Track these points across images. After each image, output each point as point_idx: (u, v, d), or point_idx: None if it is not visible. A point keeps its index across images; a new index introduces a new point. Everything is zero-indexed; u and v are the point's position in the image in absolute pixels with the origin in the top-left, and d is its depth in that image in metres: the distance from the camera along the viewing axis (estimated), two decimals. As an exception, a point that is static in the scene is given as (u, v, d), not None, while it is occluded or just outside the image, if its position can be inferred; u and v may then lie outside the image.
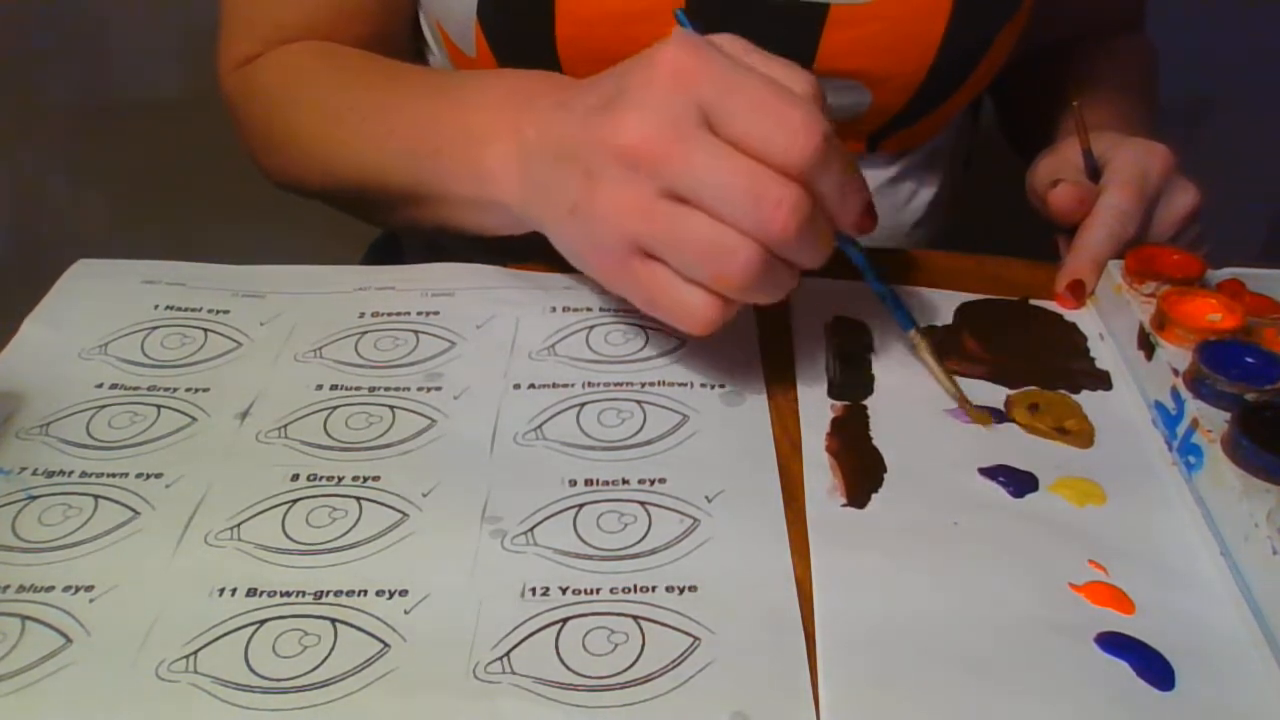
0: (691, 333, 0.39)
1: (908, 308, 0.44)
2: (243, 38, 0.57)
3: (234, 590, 0.34)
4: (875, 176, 0.61)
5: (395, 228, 0.62)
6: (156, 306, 0.47)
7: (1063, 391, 0.44)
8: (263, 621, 0.33)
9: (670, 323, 0.40)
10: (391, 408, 0.42)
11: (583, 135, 0.39)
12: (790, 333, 0.46)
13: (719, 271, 0.37)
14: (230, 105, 0.58)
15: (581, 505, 0.38)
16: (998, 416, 0.42)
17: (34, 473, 0.39)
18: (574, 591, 0.34)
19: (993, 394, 0.43)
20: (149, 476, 0.38)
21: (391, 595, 0.34)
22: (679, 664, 0.32)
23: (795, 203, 0.36)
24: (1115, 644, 0.33)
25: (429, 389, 0.43)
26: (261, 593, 0.34)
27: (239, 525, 0.37)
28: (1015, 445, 0.41)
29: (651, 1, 0.50)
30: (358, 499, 0.38)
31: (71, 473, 0.39)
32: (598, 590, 0.34)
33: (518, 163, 0.43)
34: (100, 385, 0.43)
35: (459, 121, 0.46)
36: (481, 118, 0.45)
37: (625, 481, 0.39)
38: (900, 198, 0.64)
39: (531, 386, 0.43)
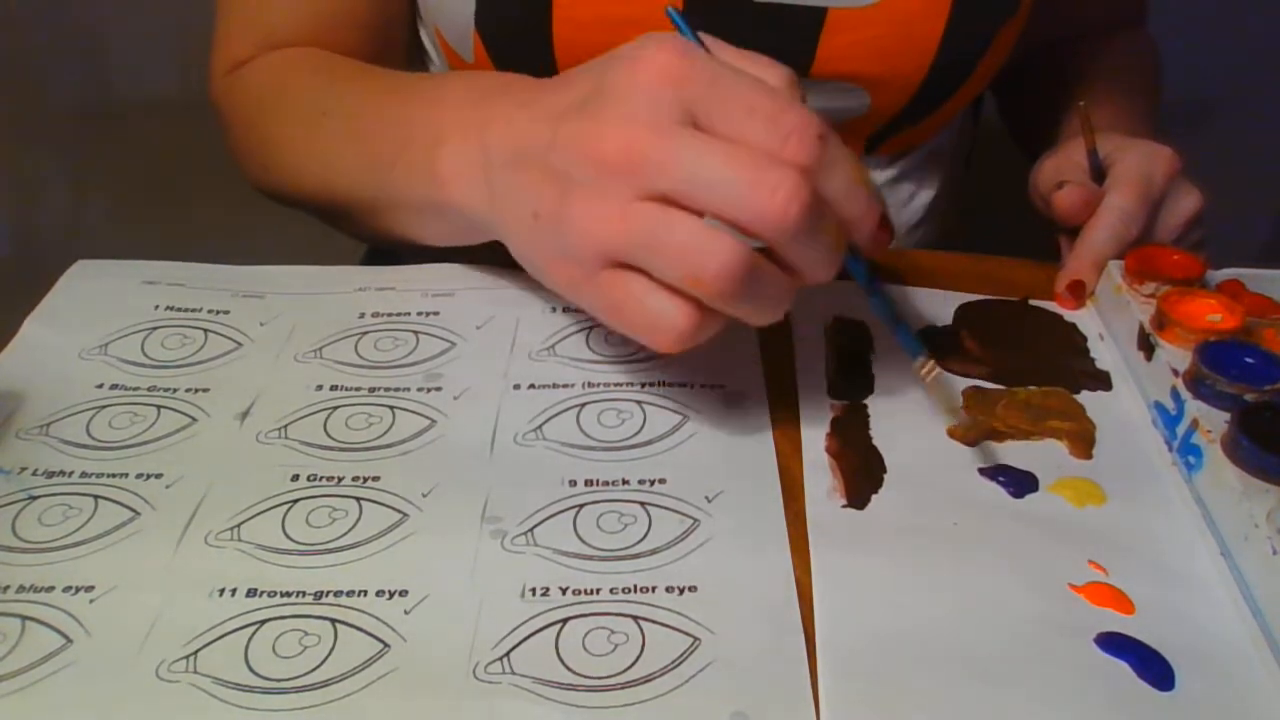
0: (659, 348, 0.36)
1: (914, 334, 0.41)
2: (235, 42, 0.56)
3: (234, 590, 0.34)
4: (874, 177, 0.61)
5: (365, 239, 0.60)
6: (156, 307, 0.47)
7: (1061, 389, 0.44)
8: (263, 622, 0.33)
9: (636, 337, 0.36)
10: (391, 408, 0.42)
11: (554, 138, 0.36)
12: (790, 332, 0.46)
13: (696, 272, 0.34)
14: (217, 109, 0.58)
15: (581, 505, 0.38)
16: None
17: (34, 473, 0.39)
18: (574, 592, 0.34)
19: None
20: (149, 476, 0.38)
21: (391, 595, 0.34)
22: (679, 664, 0.32)
23: (795, 187, 0.33)
24: (1115, 644, 0.33)
25: (429, 389, 0.43)
26: (261, 593, 0.34)
27: (239, 525, 0.37)
28: (1015, 445, 0.41)
29: (648, 6, 0.50)
30: (358, 499, 0.38)
31: (71, 473, 0.39)
32: (598, 590, 0.34)
33: (478, 165, 0.41)
34: (100, 385, 0.43)
35: (416, 121, 0.44)
36: (437, 116, 0.43)
37: (625, 482, 0.39)
38: (900, 198, 0.64)
39: (531, 387, 0.43)
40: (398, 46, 0.59)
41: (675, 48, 0.35)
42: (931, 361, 0.40)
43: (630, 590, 0.35)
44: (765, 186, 0.33)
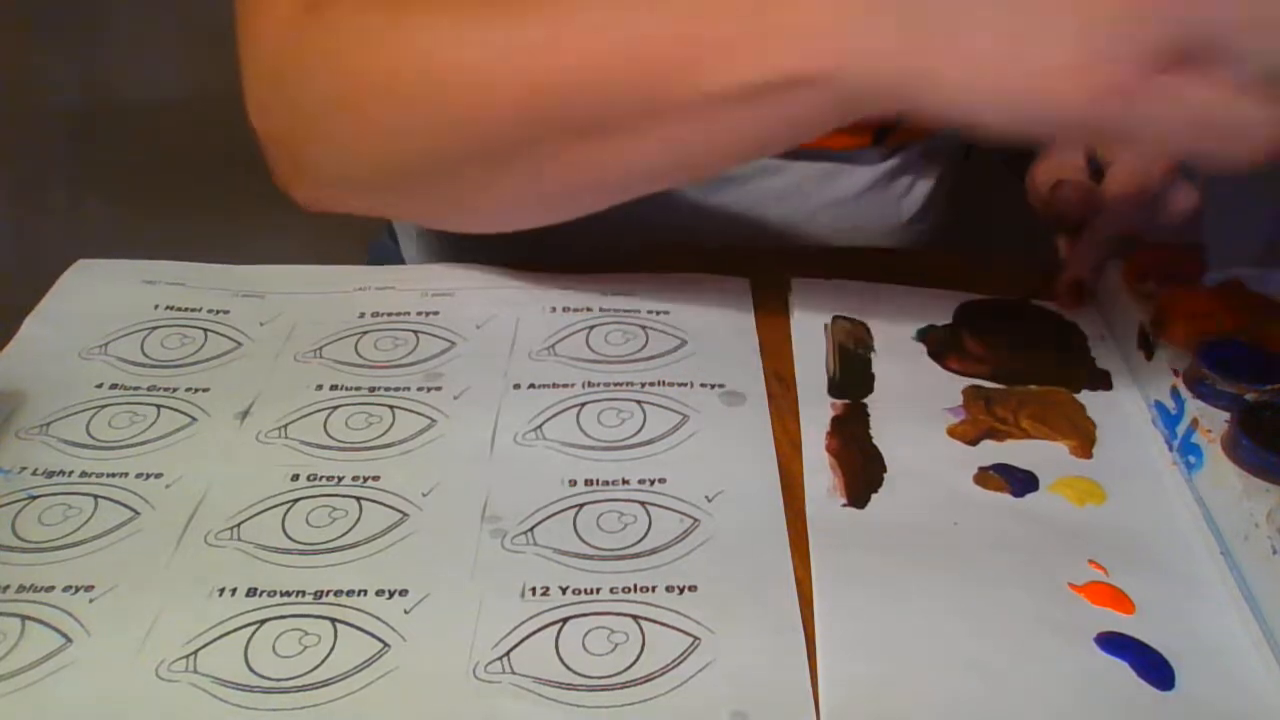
0: (1251, 158, 0.30)
1: None
2: None
3: (234, 590, 0.34)
4: (872, 171, 0.61)
5: (536, 196, 0.44)
6: (156, 306, 0.47)
7: (1061, 389, 0.44)
8: (263, 621, 0.33)
9: (1218, 149, 0.31)
10: (391, 408, 0.42)
11: None
12: (790, 332, 0.46)
13: None
14: (294, 59, 0.43)
15: (581, 505, 0.38)
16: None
17: (34, 473, 0.38)
18: (574, 591, 0.34)
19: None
20: (149, 476, 0.38)
21: (391, 595, 0.34)
22: (679, 664, 0.32)
23: None
24: (1115, 644, 0.33)
25: (429, 389, 0.43)
26: (261, 593, 0.34)
27: (239, 525, 0.37)
28: (1015, 445, 0.41)
29: None
30: (358, 499, 0.38)
31: (71, 473, 0.39)
32: (598, 590, 0.34)
33: (872, 6, 0.33)
34: (100, 385, 0.43)
35: None
36: None
37: (625, 481, 0.39)
38: (897, 190, 0.63)
39: (532, 386, 0.43)
40: None
41: None
42: None
43: (630, 590, 0.35)
44: None
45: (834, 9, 0.33)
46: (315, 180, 0.46)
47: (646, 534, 0.37)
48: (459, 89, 0.39)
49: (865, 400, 0.43)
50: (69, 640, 0.33)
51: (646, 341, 0.45)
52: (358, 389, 0.43)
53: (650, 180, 0.41)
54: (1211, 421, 0.39)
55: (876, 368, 0.45)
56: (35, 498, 0.37)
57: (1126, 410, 0.43)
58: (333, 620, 0.33)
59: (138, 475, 0.39)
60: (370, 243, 0.74)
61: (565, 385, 0.43)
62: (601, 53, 0.37)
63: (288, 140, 0.45)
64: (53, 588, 0.34)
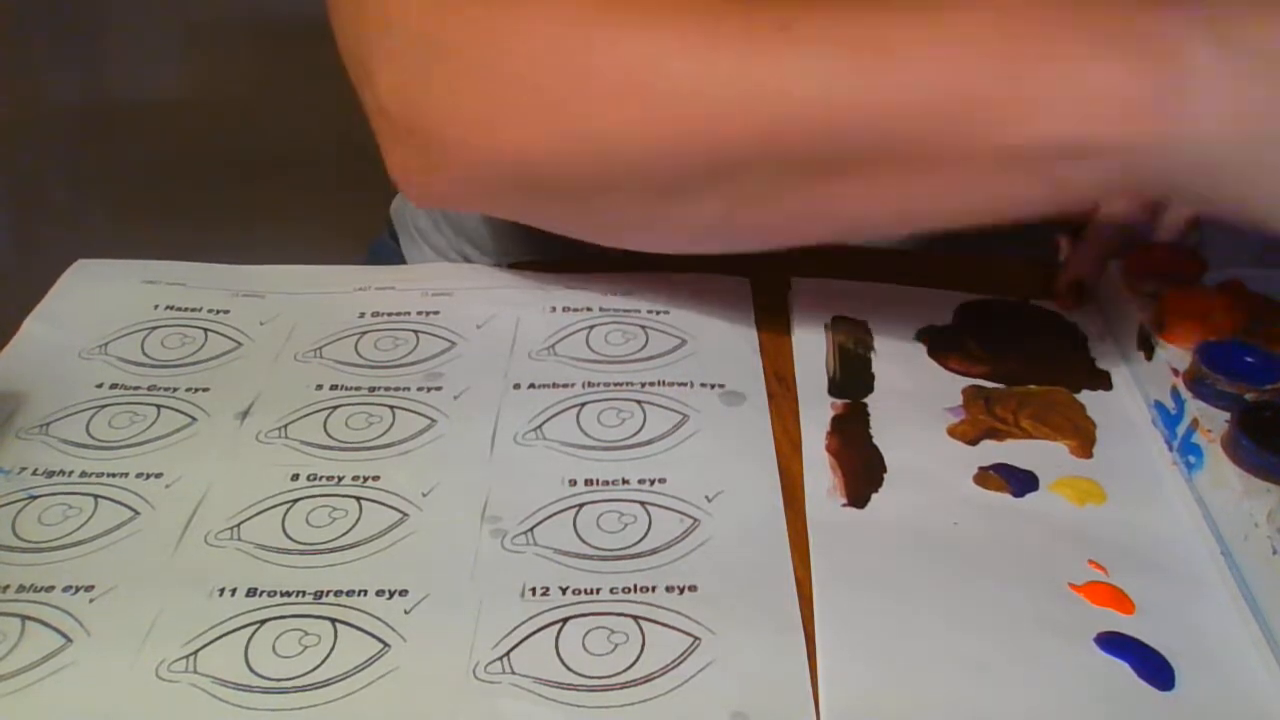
0: None
1: None
2: None
3: (234, 590, 0.34)
4: None
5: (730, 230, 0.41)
6: (156, 306, 0.47)
7: (1061, 389, 0.44)
8: (263, 621, 0.33)
9: None
10: (391, 408, 0.42)
11: None
12: (790, 332, 0.46)
13: None
14: (457, 55, 0.38)
15: (581, 505, 0.38)
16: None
17: (34, 473, 0.38)
18: (574, 591, 0.34)
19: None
20: (149, 476, 0.38)
21: (391, 595, 0.34)
22: (679, 664, 0.32)
23: None
24: (1115, 644, 0.33)
25: (429, 389, 0.43)
26: (261, 593, 0.34)
27: (239, 525, 0.37)
28: (1015, 445, 0.41)
29: None
30: (358, 499, 0.38)
31: (71, 473, 0.39)
32: (598, 590, 0.34)
33: (1224, 73, 0.28)
34: (100, 385, 0.43)
35: (1014, 35, 0.30)
36: (1058, 23, 0.30)
37: (625, 481, 0.39)
38: None
39: (532, 386, 0.43)
40: None
41: None
42: None
43: (630, 590, 0.35)
44: None
45: (1137, 73, 0.29)
46: (461, 174, 0.42)
47: (646, 534, 0.37)
48: (692, 106, 0.35)
49: (865, 400, 0.43)
50: (69, 640, 0.33)
51: (646, 341, 0.45)
52: (358, 389, 0.43)
53: (872, 228, 0.38)
54: (1211, 421, 0.39)
55: (876, 368, 0.45)
56: (35, 498, 0.37)
57: (1126, 410, 0.43)
58: (333, 620, 0.33)
59: (138, 475, 0.39)
60: (370, 243, 0.74)
61: (565, 385, 0.43)
62: (867, 99, 0.33)
63: (442, 126, 0.40)
64: (53, 588, 0.34)
